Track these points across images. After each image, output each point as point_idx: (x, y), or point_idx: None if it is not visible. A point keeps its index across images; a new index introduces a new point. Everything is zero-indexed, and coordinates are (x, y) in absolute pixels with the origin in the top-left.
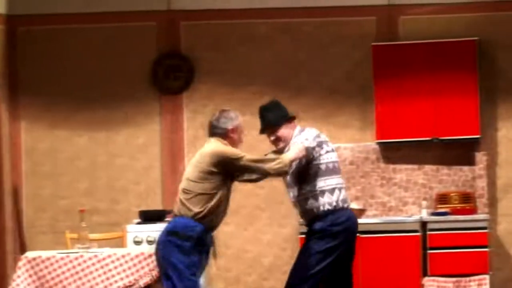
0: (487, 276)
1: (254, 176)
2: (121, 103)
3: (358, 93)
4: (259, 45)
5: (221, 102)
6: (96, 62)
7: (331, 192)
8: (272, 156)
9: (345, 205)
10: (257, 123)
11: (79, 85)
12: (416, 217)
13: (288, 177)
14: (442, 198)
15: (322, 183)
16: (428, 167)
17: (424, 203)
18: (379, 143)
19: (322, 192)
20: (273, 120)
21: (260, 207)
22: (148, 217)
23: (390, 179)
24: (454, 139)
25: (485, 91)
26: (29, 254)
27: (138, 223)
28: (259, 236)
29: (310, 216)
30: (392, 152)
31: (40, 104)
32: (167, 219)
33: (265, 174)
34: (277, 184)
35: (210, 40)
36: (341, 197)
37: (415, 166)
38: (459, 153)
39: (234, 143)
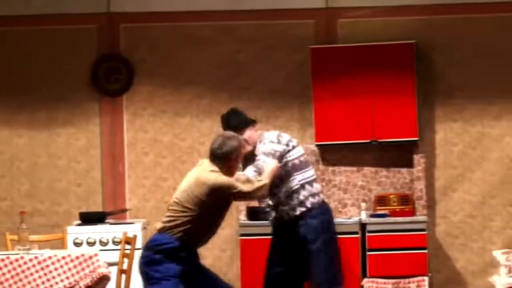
0: (426, 278)
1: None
2: (62, 105)
3: (297, 95)
4: (199, 47)
5: (161, 104)
6: (36, 64)
7: (310, 184)
8: (256, 179)
9: (322, 197)
10: (197, 125)
11: (20, 86)
12: (355, 219)
13: None
14: (381, 200)
15: (300, 176)
16: (367, 169)
17: (363, 205)
18: (318, 145)
19: (303, 186)
20: (237, 123)
21: None
22: (89, 218)
23: (330, 181)
24: (392, 141)
25: (422, 94)
26: None
27: (79, 225)
28: None
29: (297, 212)
30: (331, 154)
31: None
32: (107, 220)
33: (259, 195)
34: None
35: (150, 42)
36: (319, 189)
37: (354, 168)
38: (398, 155)
39: (232, 169)
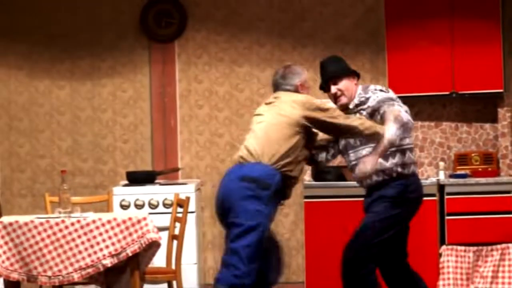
0: (511, 245)
1: (330, 152)
2: (107, 52)
3: (368, 42)
4: None
5: (216, 51)
6: (79, 7)
7: (403, 153)
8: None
9: (416, 170)
10: (257, 74)
11: (61, 32)
12: (432, 180)
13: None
14: (462, 159)
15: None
16: (446, 125)
17: (441, 164)
18: None
19: (394, 153)
20: (334, 71)
21: None
22: (137, 178)
23: None
24: (475, 93)
25: (509, 41)
26: (5, 219)
27: (126, 185)
28: None
29: (378, 180)
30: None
31: (18, 52)
32: (157, 181)
33: (357, 134)
34: None
35: None
36: (413, 159)
37: (432, 123)
38: (480, 108)
39: None
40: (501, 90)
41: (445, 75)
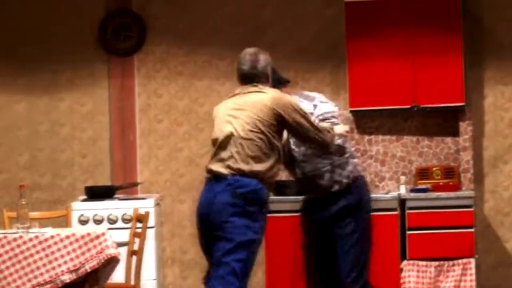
0: (472, 260)
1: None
2: (65, 66)
3: (329, 55)
4: (219, 1)
5: (176, 65)
6: (37, 20)
7: (352, 158)
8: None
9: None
10: (217, 88)
11: (18, 45)
12: (394, 194)
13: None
14: (423, 173)
15: (347, 149)
16: (407, 138)
17: (402, 178)
18: (352, 111)
19: (346, 161)
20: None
21: None
22: (95, 193)
23: (366, 152)
24: (436, 107)
25: (470, 54)
26: None
27: (84, 200)
28: None
29: (335, 188)
30: (367, 121)
31: None
32: (116, 195)
33: (321, 143)
34: None
35: None
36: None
37: (393, 137)
38: (442, 122)
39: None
40: (462, 104)
41: (406, 88)
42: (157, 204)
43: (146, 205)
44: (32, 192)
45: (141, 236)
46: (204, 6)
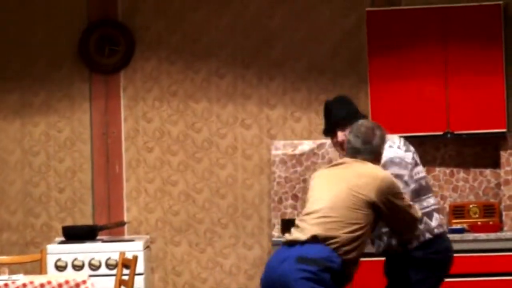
0: None
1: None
2: (39, 85)
3: (347, 73)
4: (219, 10)
5: (169, 84)
6: (6, 30)
7: (429, 216)
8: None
9: (443, 230)
10: (216, 111)
11: None
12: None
13: None
14: (458, 211)
15: (417, 206)
16: (439, 170)
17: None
18: None
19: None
20: (343, 116)
21: (221, 222)
22: (75, 234)
23: None
24: (473, 133)
25: None
26: None
27: (62, 243)
28: (219, 260)
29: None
30: None
31: None
32: (99, 237)
33: (411, 227)
34: (244, 192)
35: (155, 4)
36: (439, 221)
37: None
38: (480, 151)
39: None
40: (504, 130)
41: (439, 112)
42: (147, 247)
43: (134, 248)
44: (1, 233)
45: (128, 284)
46: (201, 16)
